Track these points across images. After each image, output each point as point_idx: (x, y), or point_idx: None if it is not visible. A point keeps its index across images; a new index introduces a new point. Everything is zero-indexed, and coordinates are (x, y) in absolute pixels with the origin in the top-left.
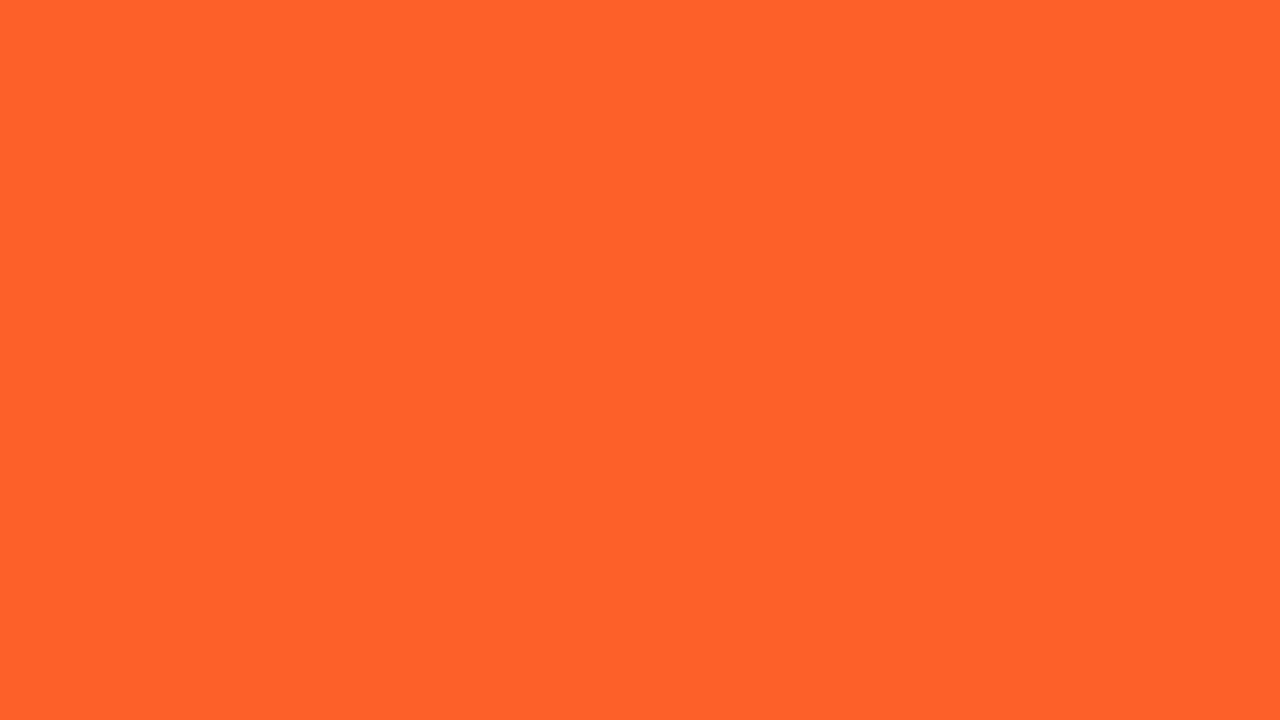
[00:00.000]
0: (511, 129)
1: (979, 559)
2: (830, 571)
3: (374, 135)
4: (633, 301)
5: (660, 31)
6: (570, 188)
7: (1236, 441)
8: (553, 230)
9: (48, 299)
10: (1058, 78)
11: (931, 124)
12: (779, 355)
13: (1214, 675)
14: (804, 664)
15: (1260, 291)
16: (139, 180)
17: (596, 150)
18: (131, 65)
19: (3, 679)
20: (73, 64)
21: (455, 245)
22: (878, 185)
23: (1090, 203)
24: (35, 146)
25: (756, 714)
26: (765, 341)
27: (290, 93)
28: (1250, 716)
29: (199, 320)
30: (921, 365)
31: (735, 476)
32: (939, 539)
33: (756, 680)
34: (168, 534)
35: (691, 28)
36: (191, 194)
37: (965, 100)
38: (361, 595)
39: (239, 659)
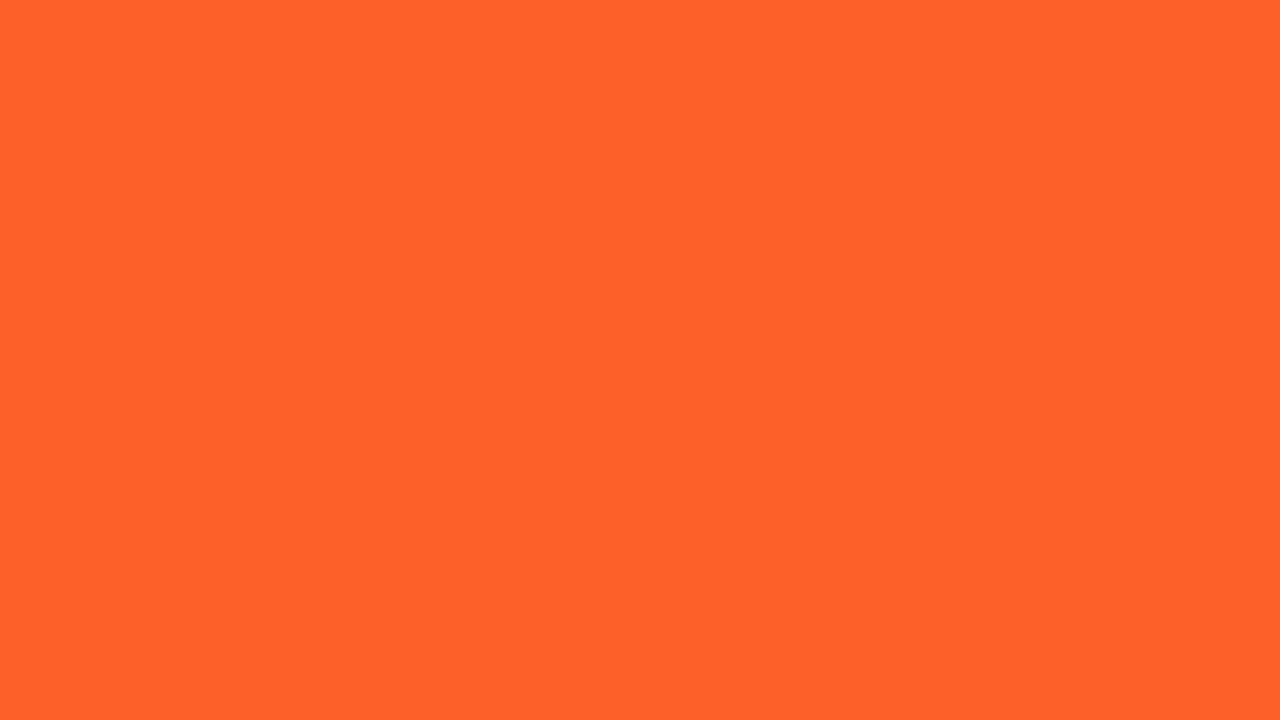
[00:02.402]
0: (512, 129)
1: (979, 559)
2: (830, 571)
3: (374, 135)
4: (632, 302)
5: (660, 31)
6: (570, 188)
7: (1236, 441)
8: (553, 230)
9: (48, 299)
10: (1058, 78)
11: (931, 124)
12: (779, 355)
13: (1214, 675)
14: (804, 664)
15: (1260, 291)
16: (139, 180)
17: (597, 150)
18: (132, 65)
19: (2, 679)
20: (73, 64)
21: (455, 245)
22: (878, 185)
23: (1090, 203)
24: (35, 146)
25: (756, 714)
26: (765, 341)
27: (291, 93)
28: (1250, 716)
29: (199, 320)
30: (921, 365)
31: (735, 476)
32: (938, 539)
33: (756, 680)
34: (168, 534)
35: (692, 28)
36: (191, 194)
37: (965, 100)
38: (361, 595)
39: (239, 659)
